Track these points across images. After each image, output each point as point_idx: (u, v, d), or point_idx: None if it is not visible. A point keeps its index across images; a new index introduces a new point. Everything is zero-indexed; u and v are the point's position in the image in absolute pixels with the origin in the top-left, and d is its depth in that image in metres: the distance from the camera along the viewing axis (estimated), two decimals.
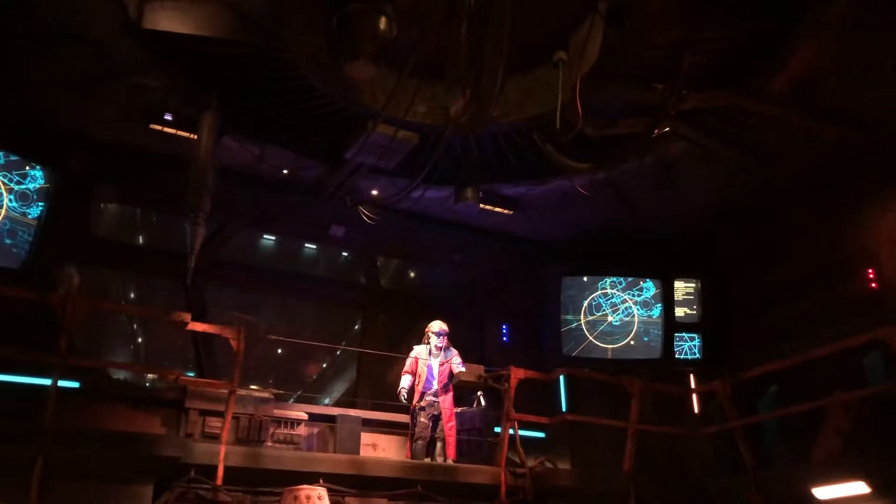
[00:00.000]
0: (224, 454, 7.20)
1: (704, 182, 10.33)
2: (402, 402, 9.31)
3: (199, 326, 7.97)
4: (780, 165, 9.78)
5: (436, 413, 9.19)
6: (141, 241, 16.39)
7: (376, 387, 12.05)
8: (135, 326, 20.21)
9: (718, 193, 10.62)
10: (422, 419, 9.16)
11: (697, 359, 11.86)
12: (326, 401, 20.65)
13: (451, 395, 9.33)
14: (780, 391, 10.32)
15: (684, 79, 7.81)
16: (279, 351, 21.03)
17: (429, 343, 9.52)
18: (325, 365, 23.40)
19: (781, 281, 10.81)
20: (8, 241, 8.99)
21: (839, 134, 8.92)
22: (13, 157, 9.08)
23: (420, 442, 9.09)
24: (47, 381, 6.75)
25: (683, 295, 12.13)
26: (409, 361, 9.46)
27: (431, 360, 9.38)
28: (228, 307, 17.43)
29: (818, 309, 10.03)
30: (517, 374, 8.79)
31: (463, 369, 9.25)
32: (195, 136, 8.63)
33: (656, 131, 8.45)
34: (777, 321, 10.72)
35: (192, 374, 11.23)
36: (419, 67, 7.62)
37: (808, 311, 10.19)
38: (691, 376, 11.70)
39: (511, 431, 8.75)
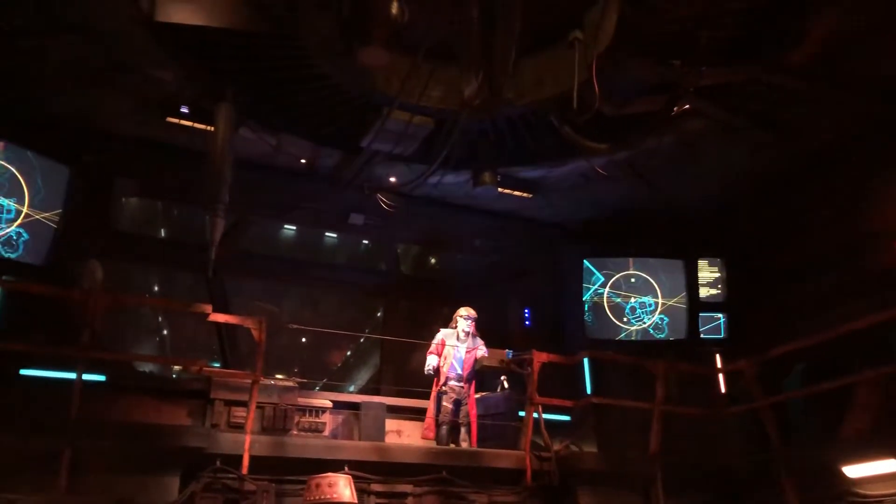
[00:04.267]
0: (249, 443, 7.24)
1: (726, 159, 10.16)
2: (429, 374, 9.34)
3: (220, 317, 8.01)
4: (804, 139, 9.59)
5: (458, 398, 9.20)
6: (162, 233, 16.51)
7: (400, 373, 12.08)
8: (160, 319, 20.43)
9: (740, 170, 10.45)
10: (445, 403, 9.18)
11: (723, 338, 11.74)
12: (351, 388, 20.78)
13: (473, 382, 9.32)
14: (807, 369, 10.18)
15: (702, 54, 7.66)
16: (303, 339, 21.13)
17: (456, 327, 9.50)
18: (349, 353, 23.51)
19: (807, 256, 10.63)
20: (27, 237, 9.02)
21: (863, 105, 8.73)
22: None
23: (445, 427, 9.10)
24: (73, 375, 6.83)
25: (707, 274, 11.99)
26: (435, 342, 9.46)
27: (459, 345, 9.37)
28: (252, 297, 17.51)
29: (844, 284, 9.85)
30: (540, 357, 8.75)
31: (486, 353, 9.26)
32: (212, 128, 8.62)
33: (675, 109, 8.32)
34: (803, 297, 10.54)
35: (216, 365, 11.31)
36: (433, 51, 7.55)
37: (835, 286, 10.00)
38: (717, 356, 11.58)
39: (535, 415, 8.73)
